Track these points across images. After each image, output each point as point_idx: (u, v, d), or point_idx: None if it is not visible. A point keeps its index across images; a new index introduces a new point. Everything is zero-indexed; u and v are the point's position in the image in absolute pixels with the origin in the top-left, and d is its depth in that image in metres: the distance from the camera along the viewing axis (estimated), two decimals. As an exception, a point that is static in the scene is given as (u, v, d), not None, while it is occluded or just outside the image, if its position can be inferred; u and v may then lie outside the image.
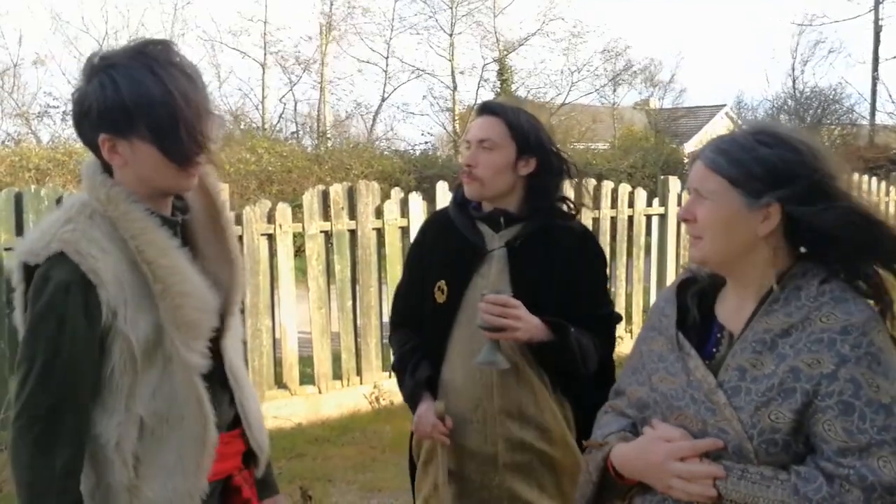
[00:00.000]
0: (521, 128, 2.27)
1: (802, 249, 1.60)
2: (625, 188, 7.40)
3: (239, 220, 5.38)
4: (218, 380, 1.72)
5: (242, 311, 5.54)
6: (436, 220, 2.53)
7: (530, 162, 2.28)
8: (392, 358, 2.53)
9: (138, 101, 1.51)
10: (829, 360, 1.45)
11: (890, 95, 17.55)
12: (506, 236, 2.29)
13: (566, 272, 2.29)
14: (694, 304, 1.69)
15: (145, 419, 1.59)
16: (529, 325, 2.14)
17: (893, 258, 1.55)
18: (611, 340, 2.41)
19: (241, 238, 5.37)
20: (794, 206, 1.51)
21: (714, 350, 1.61)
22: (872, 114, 21.88)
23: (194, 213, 1.74)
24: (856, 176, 9.20)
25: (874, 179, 9.50)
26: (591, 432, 1.84)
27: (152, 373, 1.59)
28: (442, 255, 2.37)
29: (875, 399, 1.42)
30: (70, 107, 1.63)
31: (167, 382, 1.61)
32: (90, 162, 1.64)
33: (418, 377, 2.32)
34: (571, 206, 2.38)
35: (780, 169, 1.51)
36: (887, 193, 9.56)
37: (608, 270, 7.72)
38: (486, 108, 2.32)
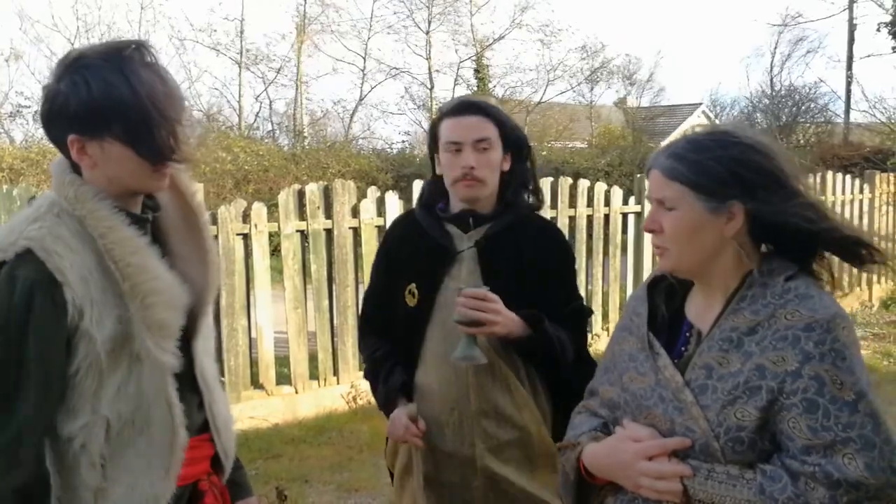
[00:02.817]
0: (506, 125, 2.28)
1: (764, 248, 1.61)
2: (601, 186, 7.41)
3: (214, 220, 5.34)
4: (188, 382, 1.69)
5: (217, 312, 5.47)
6: (402, 223, 2.50)
7: (507, 158, 2.29)
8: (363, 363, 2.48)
9: (110, 103, 1.50)
10: (793, 358, 1.45)
11: (864, 94, 17.70)
12: (475, 236, 2.28)
13: (537, 268, 2.29)
14: (662, 303, 1.70)
15: (111, 421, 1.56)
16: (507, 319, 2.13)
17: (840, 250, 1.59)
18: (583, 333, 2.42)
19: (215, 238, 5.32)
20: (756, 204, 1.52)
21: (683, 349, 1.62)
22: (847, 112, 22.09)
23: (166, 212, 1.72)
24: (830, 174, 9.29)
25: (848, 177, 9.57)
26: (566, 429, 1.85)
27: (118, 373, 1.56)
28: (411, 259, 2.34)
29: (839, 396, 1.43)
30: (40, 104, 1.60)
31: (133, 384, 1.58)
32: (59, 161, 1.62)
33: (392, 383, 2.29)
34: (540, 198, 2.40)
35: (738, 170, 1.52)
36: (861, 191, 9.63)
37: (586, 269, 7.66)
38: (473, 107, 2.28)
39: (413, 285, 2.30)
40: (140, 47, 1.56)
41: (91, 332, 1.51)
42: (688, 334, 1.63)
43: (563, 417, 2.22)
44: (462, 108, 2.28)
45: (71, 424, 1.54)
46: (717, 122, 27.07)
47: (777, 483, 1.42)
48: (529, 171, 2.36)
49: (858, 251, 1.59)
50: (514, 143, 2.29)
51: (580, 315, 2.40)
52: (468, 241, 2.28)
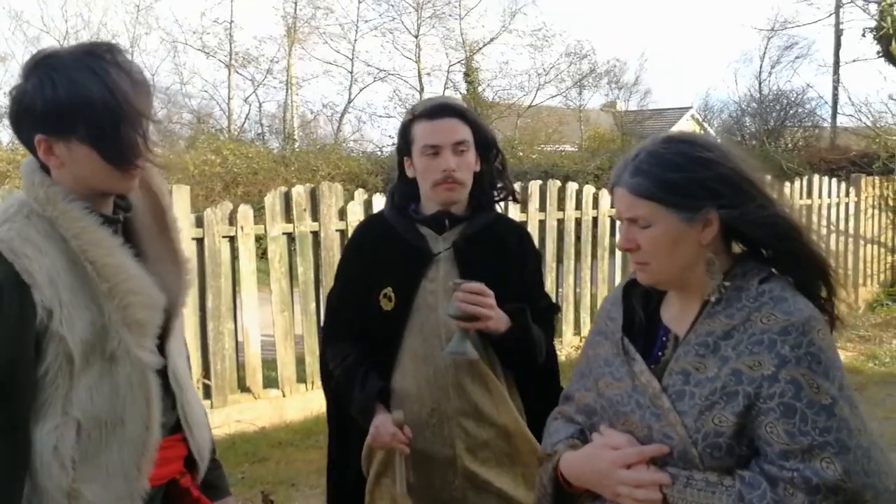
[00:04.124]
0: (480, 127, 2.29)
1: (736, 249, 1.61)
2: (589, 189, 7.44)
3: (200, 222, 5.33)
4: (162, 382, 1.69)
5: (203, 316, 5.40)
6: (371, 226, 2.48)
7: (478, 161, 2.30)
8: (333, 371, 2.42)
9: (77, 103, 1.49)
10: (769, 362, 1.44)
11: (850, 98, 17.74)
12: (450, 238, 2.28)
13: (511, 268, 2.31)
14: (639, 307, 1.68)
15: (82, 422, 1.55)
16: (499, 315, 2.14)
17: (806, 271, 1.57)
18: (553, 330, 2.45)
19: (202, 240, 5.32)
20: (728, 210, 1.51)
21: (660, 354, 1.60)
22: (834, 116, 22.14)
23: (138, 213, 1.71)
24: (816, 177, 9.34)
25: (835, 181, 9.62)
26: (540, 426, 1.84)
27: (90, 374, 1.55)
28: (385, 262, 2.31)
29: (816, 400, 1.42)
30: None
31: (106, 384, 1.57)
32: (28, 161, 1.61)
33: (369, 389, 2.25)
34: (516, 197, 2.42)
35: (706, 182, 1.51)
36: (847, 194, 9.68)
37: (574, 271, 7.69)
38: (449, 109, 2.27)
39: (389, 289, 2.27)
40: (111, 48, 1.54)
41: (61, 333, 1.50)
42: (664, 339, 1.62)
43: (533, 417, 2.23)
44: (438, 110, 2.27)
45: (41, 427, 1.53)
46: (707, 126, 27.18)
47: (756, 489, 1.41)
48: (501, 171, 2.37)
49: (816, 288, 1.57)
50: (485, 144, 2.30)
51: (550, 312, 2.44)
52: (444, 243, 2.28)
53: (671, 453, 1.49)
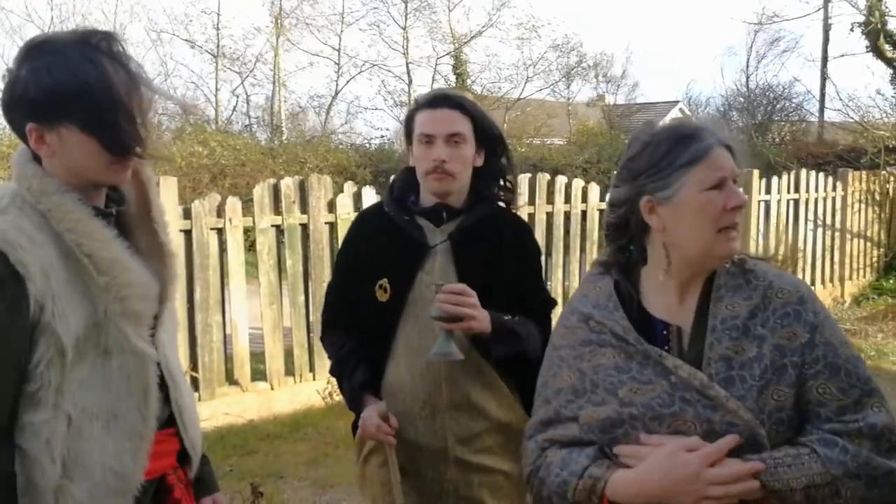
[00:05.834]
0: (480, 121, 2.27)
1: None
2: (578, 183, 7.44)
3: (188, 214, 5.30)
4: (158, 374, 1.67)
5: (191, 308, 5.36)
6: (369, 217, 2.47)
7: (481, 154, 2.29)
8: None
9: (71, 90, 1.46)
10: (802, 330, 1.52)
11: (838, 93, 17.86)
12: (447, 230, 2.27)
13: (509, 262, 2.29)
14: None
15: (74, 416, 1.52)
16: (483, 315, 2.13)
17: None
18: (549, 324, 2.42)
19: (190, 232, 5.29)
20: None
21: (666, 348, 1.57)
22: (821, 111, 22.26)
23: (130, 206, 1.68)
24: (804, 172, 9.39)
25: (822, 175, 9.66)
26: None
27: (82, 368, 1.53)
28: (381, 253, 2.31)
29: (850, 354, 1.52)
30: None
31: (98, 378, 1.55)
32: (21, 151, 1.59)
33: (356, 381, 2.27)
34: (510, 194, 2.40)
35: None
36: (834, 189, 9.72)
37: (563, 265, 7.67)
38: (448, 101, 2.26)
39: (385, 280, 2.27)
40: (108, 37, 1.52)
41: (53, 326, 1.48)
42: (665, 332, 1.59)
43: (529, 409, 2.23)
44: (437, 100, 2.27)
45: (32, 420, 1.50)
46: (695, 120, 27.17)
47: (835, 448, 1.45)
48: (505, 166, 2.36)
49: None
50: (488, 138, 2.29)
51: (547, 306, 2.42)
52: (441, 235, 2.27)
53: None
